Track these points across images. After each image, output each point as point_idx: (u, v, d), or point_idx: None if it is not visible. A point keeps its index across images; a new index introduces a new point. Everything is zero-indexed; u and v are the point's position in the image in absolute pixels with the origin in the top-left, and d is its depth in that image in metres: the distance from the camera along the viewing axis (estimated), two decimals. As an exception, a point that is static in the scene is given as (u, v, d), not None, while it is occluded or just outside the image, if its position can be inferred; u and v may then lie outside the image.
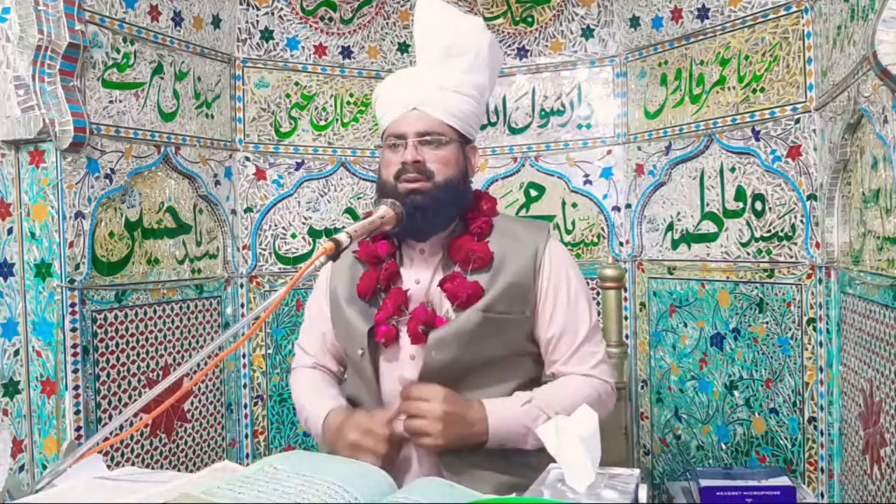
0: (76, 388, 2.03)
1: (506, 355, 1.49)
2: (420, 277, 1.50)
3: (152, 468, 2.29)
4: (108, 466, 1.16)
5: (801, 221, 2.25)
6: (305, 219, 2.81)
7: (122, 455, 2.20)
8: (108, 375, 2.16)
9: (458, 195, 1.48)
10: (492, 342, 1.45)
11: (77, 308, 2.04)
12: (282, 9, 2.74)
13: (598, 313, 1.63)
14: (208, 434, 2.54)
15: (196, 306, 2.50)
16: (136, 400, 2.21)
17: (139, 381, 2.26)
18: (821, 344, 2.20)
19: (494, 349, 1.46)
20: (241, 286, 2.68)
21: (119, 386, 2.20)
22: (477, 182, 3.00)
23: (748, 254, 2.44)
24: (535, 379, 1.56)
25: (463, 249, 1.46)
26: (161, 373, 2.34)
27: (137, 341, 2.26)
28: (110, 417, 2.15)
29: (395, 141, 1.46)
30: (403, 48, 2.95)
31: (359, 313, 1.51)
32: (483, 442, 1.39)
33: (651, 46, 2.70)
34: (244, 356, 2.69)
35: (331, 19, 2.83)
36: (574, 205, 2.90)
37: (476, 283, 1.43)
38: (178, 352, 2.41)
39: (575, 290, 1.51)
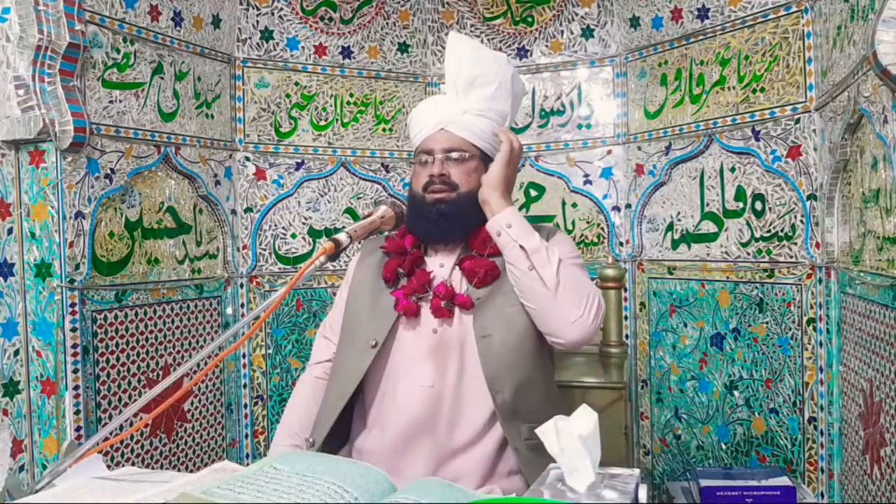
0: (76, 388, 2.03)
1: (536, 334, 1.56)
2: (444, 262, 1.62)
3: (152, 468, 2.29)
4: (108, 466, 1.16)
5: (801, 221, 2.25)
6: (305, 219, 2.81)
7: (122, 455, 2.20)
8: (108, 375, 2.16)
9: (478, 205, 1.58)
10: (522, 320, 1.54)
11: (77, 308, 2.04)
12: (282, 9, 2.74)
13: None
14: (208, 434, 2.54)
15: (196, 306, 2.50)
16: (136, 400, 2.21)
17: (139, 381, 2.26)
18: (821, 344, 2.20)
19: (527, 327, 1.54)
20: (241, 286, 2.68)
21: (119, 386, 2.20)
22: (477, 182, 3.00)
23: (748, 254, 2.44)
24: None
25: (479, 237, 1.59)
26: (161, 373, 2.34)
27: (137, 341, 2.26)
28: (110, 417, 2.15)
29: (424, 157, 1.62)
30: (403, 48, 2.95)
31: (379, 304, 1.61)
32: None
33: (651, 46, 2.70)
34: (244, 356, 2.69)
35: (331, 19, 2.83)
36: (574, 205, 2.90)
37: (492, 262, 1.56)
38: (178, 352, 2.41)
39: (573, 260, 1.59)
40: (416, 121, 1.67)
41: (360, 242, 1.58)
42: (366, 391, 1.60)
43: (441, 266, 1.62)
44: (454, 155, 1.59)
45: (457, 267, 1.60)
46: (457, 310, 1.55)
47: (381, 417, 1.55)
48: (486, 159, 1.64)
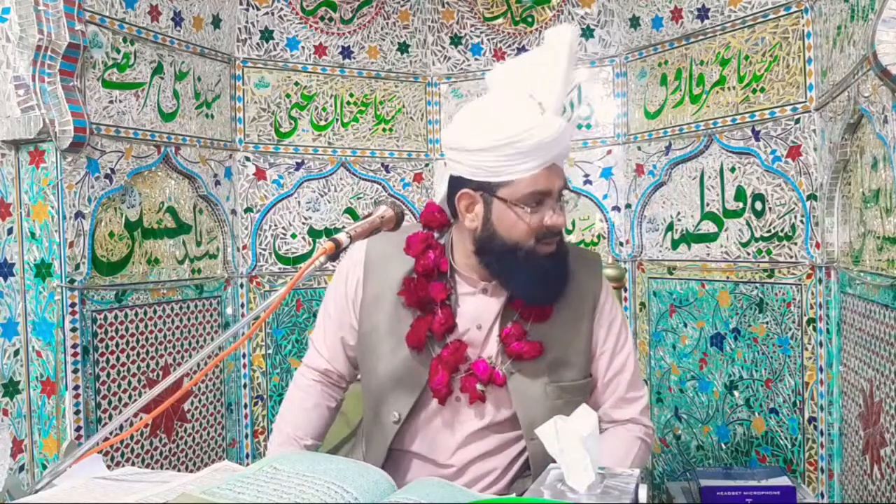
0: (76, 388, 2.03)
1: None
2: (482, 323, 1.40)
3: (152, 468, 2.29)
4: (108, 466, 1.16)
5: (801, 221, 2.25)
6: (305, 219, 2.81)
7: (122, 455, 2.20)
8: (108, 375, 2.16)
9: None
10: (573, 408, 1.43)
11: (77, 308, 2.04)
12: (282, 9, 2.74)
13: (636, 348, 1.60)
14: (208, 434, 2.54)
15: (196, 306, 2.50)
16: (136, 400, 2.21)
17: (139, 381, 2.26)
18: (821, 344, 2.19)
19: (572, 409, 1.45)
20: (241, 286, 2.68)
21: (119, 386, 2.20)
22: (477, 182, 3.01)
23: (748, 254, 2.44)
24: None
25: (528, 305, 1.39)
26: (161, 373, 2.34)
27: (137, 341, 2.26)
28: (110, 417, 2.15)
29: (538, 198, 1.31)
30: (403, 48, 2.95)
31: (403, 367, 1.41)
32: None
33: (651, 46, 2.70)
34: (244, 356, 2.69)
35: (331, 19, 2.83)
36: (574, 205, 2.90)
37: (540, 346, 1.38)
38: (178, 352, 2.41)
39: (625, 336, 1.49)
40: (511, 150, 1.27)
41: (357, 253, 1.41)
42: (390, 454, 1.46)
43: (479, 328, 1.40)
44: (562, 198, 1.34)
45: (496, 336, 1.39)
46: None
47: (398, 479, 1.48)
48: None
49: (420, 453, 1.45)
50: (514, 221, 1.31)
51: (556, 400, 1.38)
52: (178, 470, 2.36)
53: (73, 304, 2.03)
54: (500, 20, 2.94)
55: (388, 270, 1.44)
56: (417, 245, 1.41)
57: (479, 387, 1.37)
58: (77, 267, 2.04)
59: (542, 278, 1.34)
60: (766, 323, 2.38)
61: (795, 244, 2.28)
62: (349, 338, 1.51)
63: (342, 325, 1.51)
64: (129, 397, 2.22)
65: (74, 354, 2.03)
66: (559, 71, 1.32)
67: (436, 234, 1.43)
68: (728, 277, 2.51)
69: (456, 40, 2.98)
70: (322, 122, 2.83)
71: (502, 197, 1.30)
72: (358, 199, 2.90)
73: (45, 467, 2.00)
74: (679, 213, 2.67)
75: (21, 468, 2.01)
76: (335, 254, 1.21)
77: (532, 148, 1.27)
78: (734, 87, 2.43)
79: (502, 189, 1.30)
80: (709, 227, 2.57)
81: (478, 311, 1.41)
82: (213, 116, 2.57)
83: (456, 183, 1.36)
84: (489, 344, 1.40)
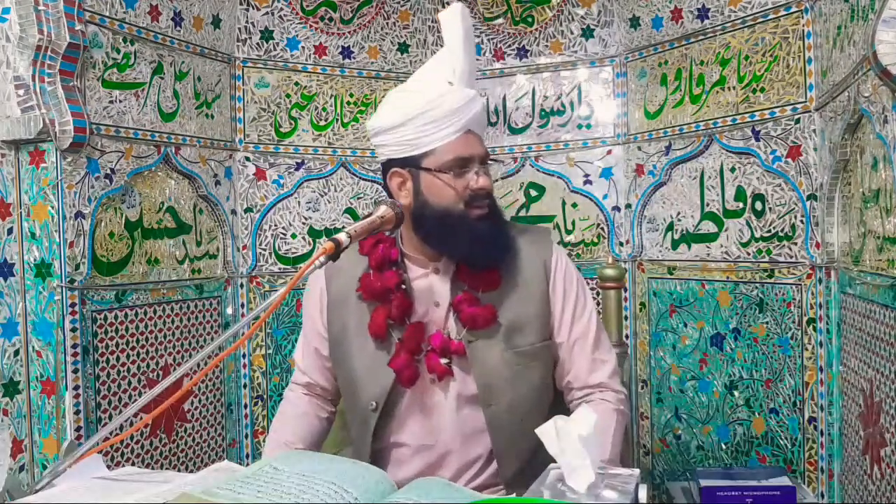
0: (76, 388, 2.03)
1: (547, 383, 1.50)
2: (440, 300, 1.46)
3: (152, 468, 2.29)
4: (108, 466, 1.16)
5: (801, 221, 2.25)
6: (305, 219, 2.81)
7: (122, 455, 2.20)
8: (108, 375, 2.16)
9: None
10: (534, 374, 1.46)
11: (77, 308, 2.04)
12: (282, 9, 2.74)
13: (599, 312, 1.61)
14: (208, 434, 2.54)
15: (196, 306, 2.50)
16: (136, 400, 2.21)
17: (139, 381, 2.26)
18: (821, 344, 2.19)
19: (536, 378, 1.47)
20: (241, 286, 2.68)
21: (119, 386, 2.20)
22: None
23: (748, 254, 2.44)
24: None
25: (473, 270, 1.44)
26: (161, 373, 2.34)
27: (137, 341, 2.26)
28: (110, 417, 2.15)
29: (461, 164, 1.39)
30: (403, 48, 2.95)
31: (372, 360, 1.45)
32: None
33: (651, 46, 2.70)
34: (244, 356, 2.69)
35: (331, 19, 2.83)
36: (574, 205, 2.90)
37: (492, 309, 1.42)
38: (178, 352, 2.41)
39: (584, 298, 1.52)
40: (425, 118, 1.38)
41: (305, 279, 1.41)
42: (374, 445, 1.49)
43: (437, 305, 1.45)
44: (487, 163, 1.42)
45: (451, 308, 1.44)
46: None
47: (385, 467, 1.49)
48: None
49: (408, 444, 1.46)
50: (440, 187, 1.39)
51: (515, 366, 1.43)
52: (178, 470, 2.36)
53: (73, 304, 2.03)
54: (500, 20, 2.94)
55: (348, 274, 1.50)
56: (368, 243, 1.48)
57: (443, 361, 1.41)
58: (77, 267, 2.04)
59: (478, 240, 1.39)
60: (766, 323, 2.38)
61: (795, 244, 2.28)
62: (322, 348, 1.56)
63: (314, 337, 1.56)
64: (129, 397, 2.22)
65: (74, 354, 2.03)
66: (457, 46, 1.41)
67: (387, 232, 1.47)
68: (728, 277, 2.51)
69: (456, 40, 2.98)
70: (322, 122, 2.83)
71: (427, 167, 1.39)
72: (358, 199, 2.90)
73: (45, 467, 2.00)
74: (679, 213, 2.67)
75: (21, 468, 2.01)
76: (335, 254, 1.21)
77: (444, 115, 1.37)
78: (734, 87, 2.43)
79: (426, 160, 1.39)
80: (709, 227, 2.57)
81: (432, 290, 1.46)
82: (213, 116, 2.57)
83: (387, 166, 1.46)
84: (450, 319, 1.45)
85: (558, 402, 1.54)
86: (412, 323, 1.44)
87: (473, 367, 1.42)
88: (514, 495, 1.40)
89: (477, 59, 1.59)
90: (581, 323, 1.50)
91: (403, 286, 1.45)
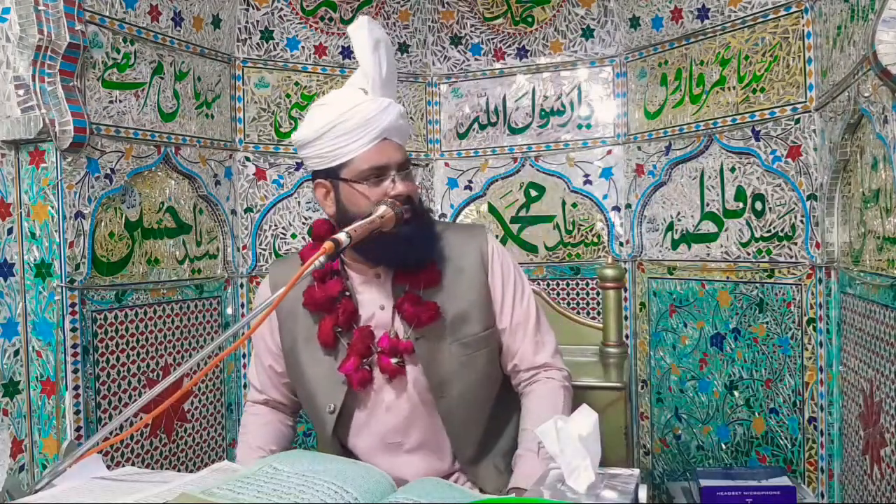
0: (76, 388, 2.03)
1: (494, 369, 1.54)
2: (384, 303, 1.49)
3: (152, 468, 2.29)
4: (108, 466, 1.16)
5: (801, 221, 2.25)
6: (305, 219, 2.81)
7: (122, 455, 2.20)
8: (108, 375, 2.16)
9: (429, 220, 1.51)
10: (480, 362, 1.50)
11: (77, 308, 2.04)
12: (282, 9, 2.74)
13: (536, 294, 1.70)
14: (208, 434, 2.54)
15: (196, 306, 2.50)
16: (136, 400, 2.21)
17: (139, 381, 2.26)
18: (821, 344, 2.19)
19: (482, 366, 1.51)
20: (241, 286, 2.68)
21: (119, 386, 2.20)
22: (477, 183, 3.01)
23: (748, 254, 2.44)
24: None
25: (412, 271, 1.47)
26: (161, 373, 2.34)
27: (137, 341, 2.26)
28: (110, 417, 2.15)
29: (377, 173, 1.41)
30: (403, 48, 2.95)
31: (325, 367, 1.48)
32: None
33: (651, 46, 2.70)
34: (244, 356, 2.69)
35: (331, 19, 2.83)
36: (574, 205, 2.90)
37: (434, 305, 1.45)
38: (178, 352, 2.41)
39: (521, 284, 1.57)
40: (338, 131, 1.40)
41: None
42: (340, 448, 1.53)
43: (382, 308, 1.48)
44: (407, 169, 1.44)
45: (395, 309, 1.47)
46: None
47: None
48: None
49: (372, 444, 1.49)
50: (358, 197, 1.41)
51: (461, 357, 1.47)
52: (178, 470, 2.36)
53: (73, 304, 2.03)
54: (500, 20, 2.94)
55: (294, 288, 1.48)
56: (309, 255, 1.46)
57: (393, 360, 1.44)
58: (77, 267, 2.04)
59: (401, 243, 1.40)
60: (766, 323, 2.38)
61: (795, 244, 2.28)
62: (276, 364, 1.58)
63: (266, 355, 1.59)
64: (129, 397, 2.22)
65: (74, 354, 2.03)
66: (366, 57, 1.43)
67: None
68: (728, 277, 2.51)
69: (456, 40, 2.98)
70: (322, 122, 2.82)
71: (344, 177, 1.42)
72: (358, 199, 2.89)
73: (45, 467, 2.00)
74: (679, 213, 2.67)
75: (21, 468, 2.01)
76: (335, 253, 1.21)
77: (357, 125, 1.39)
78: (734, 87, 2.43)
79: (344, 170, 1.41)
80: (709, 227, 2.57)
81: (376, 295, 1.49)
82: (213, 116, 2.57)
83: (314, 177, 1.49)
84: (396, 320, 1.48)
85: (505, 387, 1.58)
86: (359, 328, 1.46)
87: (422, 363, 1.46)
88: (513, 495, 1.41)
89: (397, 66, 1.55)
90: (521, 307, 1.54)
91: (347, 293, 1.48)
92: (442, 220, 1.56)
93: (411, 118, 2.98)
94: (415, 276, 1.46)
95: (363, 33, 1.44)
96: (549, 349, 1.56)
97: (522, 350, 1.54)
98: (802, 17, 2.22)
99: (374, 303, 1.49)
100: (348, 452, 1.52)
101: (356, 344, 1.45)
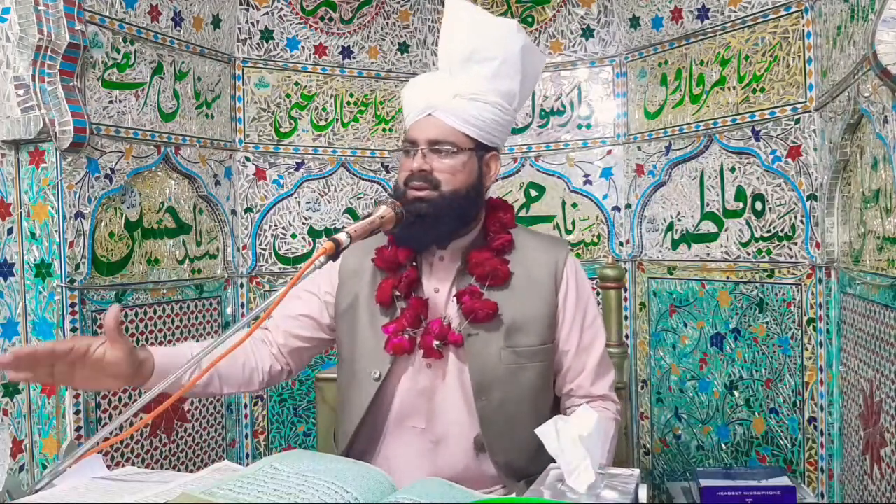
0: (76, 388, 2.03)
1: (544, 385, 1.49)
2: (439, 286, 1.47)
3: (152, 468, 2.29)
4: (108, 466, 1.16)
5: (801, 221, 2.25)
6: (305, 219, 2.81)
7: (122, 455, 2.20)
8: (108, 375, 2.16)
9: (465, 205, 1.45)
10: (529, 375, 1.46)
11: (77, 308, 2.04)
12: (282, 9, 2.74)
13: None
14: (208, 434, 2.54)
15: (196, 306, 2.50)
16: (136, 400, 2.21)
17: (139, 381, 2.26)
18: (821, 344, 2.20)
19: (531, 379, 1.46)
20: (241, 286, 2.68)
21: (119, 386, 2.19)
22: (477, 182, 3.00)
23: (748, 254, 2.44)
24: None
25: (482, 264, 1.45)
26: (161, 373, 2.33)
27: (137, 341, 2.26)
28: (110, 417, 2.15)
29: (408, 147, 1.44)
30: (403, 48, 2.95)
31: (376, 333, 1.46)
32: None
33: (651, 46, 2.70)
34: (244, 356, 2.69)
35: (331, 19, 2.83)
36: (574, 205, 2.90)
37: (494, 304, 1.42)
38: (178, 352, 2.41)
39: (595, 311, 1.53)
40: (405, 101, 1.50)
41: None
42: (366, 418, 1.48)
43: (436, 291, 1.47)
44: (440, 147, 1.40)
45: (454, 298, 1.45)
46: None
47: (374, 449, 1.50)
48: (481, 150, 1.46)
49: (398, 417, 1.46)
50: (400, 166, 1.47)
51: (510, 364, 1.43)
52: (178, 470, 2.36)
53: (73, 304, 2.03)
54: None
55: (365, 246, 1.48)
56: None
57: (435, 343, 1.41)
58: (77, 267, 2.04)
59: (411, 221, 1.38)
60: (766, 323, 2.38)
61: (795, 244, 2.28)
62: (310, 315, 1.53)
63: (312, 299, 1.54)
64: (129, 397, 2.22)
65: (74, 354, 2.03)
66: (442, 34, 1.48)
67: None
68: (728, 277, 2.51)
69: (456, 40, 2.98)
70: (322, 122, 2.83)
71: (400, 147, 1.48)
72: (358, 199, 2.90)
73: (45, 467, 2.00)
74: (679, 213, 2.67)
75: (21, 468, 2.01)
76: (335, 253, 1.21)
77: (414, 95, 1.46)
78: (734, 87, 2.43)
79: (402, 140, 1.49)
80: (709, 227, 2.57)
81: (436, 276, 1.48)
82: (213, 116, 2.57)
83: None
84: (450, 307, 1.46)
85: (556, 408, 1.55)
86: (416, 297, 1.45)
87: (469, 360, 1.43)
88: (513, 494, 1.41)
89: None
90: (590, 334, 1.51)
91: (414, 263, 1.47)
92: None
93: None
94: (484, 270, 1.44)
95: (446, 11, 1.49)
96: (609, 382, 1.53)
97: (582, 377, 1.50)
98: (802, 17, 2.22)
99: (431, 284, 1.48)
100: (372, 423, 1.47)
101: (408, 310, 1.43)
